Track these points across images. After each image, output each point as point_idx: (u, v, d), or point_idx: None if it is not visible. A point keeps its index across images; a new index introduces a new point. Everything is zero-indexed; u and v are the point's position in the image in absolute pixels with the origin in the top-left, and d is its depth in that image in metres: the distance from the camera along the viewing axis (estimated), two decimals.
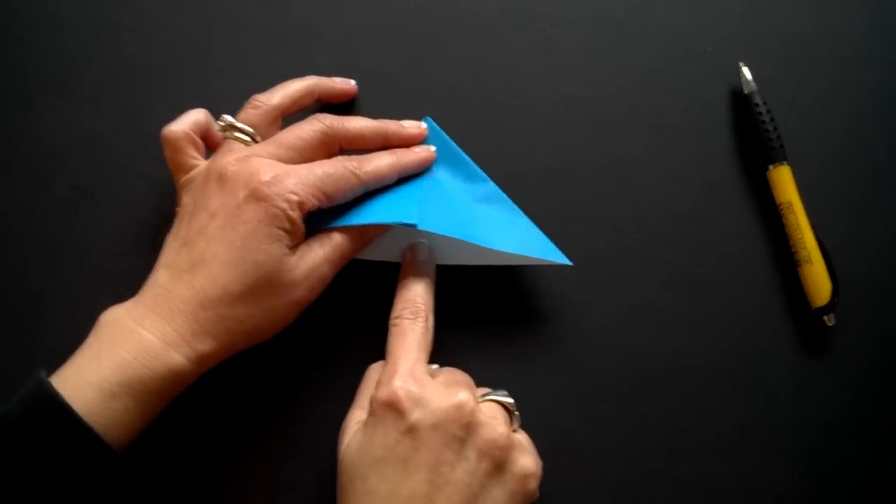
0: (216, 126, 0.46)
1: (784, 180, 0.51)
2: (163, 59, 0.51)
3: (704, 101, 0.53)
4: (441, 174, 0.48)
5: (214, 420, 0.46)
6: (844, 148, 0.53)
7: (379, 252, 0.46)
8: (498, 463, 0.38)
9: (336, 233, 0.43)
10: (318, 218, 0.43)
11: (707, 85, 0.54)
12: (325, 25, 0.53)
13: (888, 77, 0.55)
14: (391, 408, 0.38)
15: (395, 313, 0.43)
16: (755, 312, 0.50)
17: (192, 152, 0.44)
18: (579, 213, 0.51)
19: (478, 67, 0.53)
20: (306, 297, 0.42)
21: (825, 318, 0.49)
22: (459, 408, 0.38)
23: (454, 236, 0.44)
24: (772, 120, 0.51)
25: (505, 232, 0.46)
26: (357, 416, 0.40)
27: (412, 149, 0.47)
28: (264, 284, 0.40)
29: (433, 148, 0.48)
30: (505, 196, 0.48)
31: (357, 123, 0.46)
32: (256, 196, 0.40)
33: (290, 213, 0.40)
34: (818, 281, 0.49)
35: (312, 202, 0.41)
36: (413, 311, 0.43)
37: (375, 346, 0.43)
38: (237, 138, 0.45)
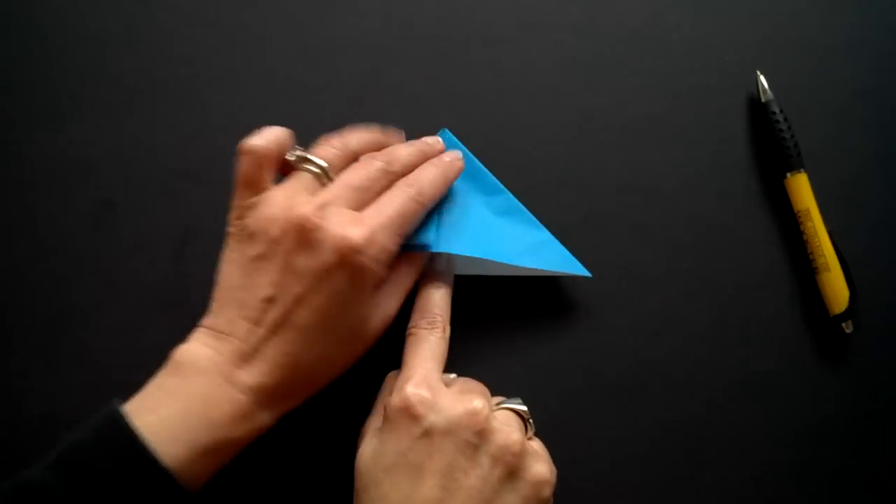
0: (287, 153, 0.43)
1: (801, 188, 0.51)
2: (186, 74, 0.52)
3: (722, 110, 0.53)
4: (459, 186, 0.48)
5: None
6: (861, 155, 0.53)
7: None
8: (511, 469, 0.38)
9: (401, 273, 0.44)
10: None
11: (725, 93, 0.54)
12: (347, 38, 0.53)
13: None
14: (405, 413, 0.38)
15: (412, 323, 0.44)
16: (773, 319, 0.50)
17: (268, 174, 0.42)
18: (598, 221, 0.51)
19: (496, 79, 0.53)
20: (377, 338, 0.43)
21: (843, 325, 0.49)
22: (473, 414, 0.38)
23: (472, 255, 0.45)
24: (789, 128, 0.51)
25: (524, 246, 0.47)
26: (374, 423, 0.41)
27: (441, 157, 0.46)
28: (352, 340, 0.41)
29: (459, 153, 0.47)
30: (523, 208, 0.48)
31: (404, 152, 0.45)
32: (351, 263, 0.39)
33: (384, 269, 0.41)
34: (836, 288, 0.49)
35: (397, 247, 0.42)
36: (430, 321, 0.43)
37: (393, 355, 0.43)
38: (309, 170, 0.42)
